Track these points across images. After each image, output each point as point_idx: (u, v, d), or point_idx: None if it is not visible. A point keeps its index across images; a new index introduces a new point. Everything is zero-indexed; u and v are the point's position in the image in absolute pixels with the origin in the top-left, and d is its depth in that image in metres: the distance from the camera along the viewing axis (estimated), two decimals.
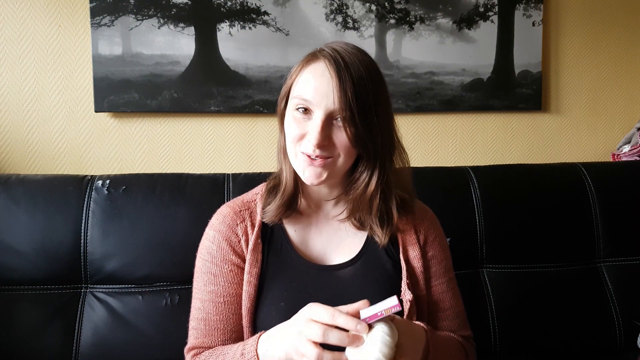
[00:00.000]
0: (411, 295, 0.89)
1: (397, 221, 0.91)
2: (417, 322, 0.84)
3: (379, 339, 0.68)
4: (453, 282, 0.99)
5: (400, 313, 0.85)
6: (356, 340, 0.68)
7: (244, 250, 0.92)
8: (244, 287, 0.89)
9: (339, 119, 0.83)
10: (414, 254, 0.94)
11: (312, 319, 0.70)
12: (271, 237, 0.94)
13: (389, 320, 0.71)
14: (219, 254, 0.92)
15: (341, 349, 0.70)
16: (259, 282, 0.90)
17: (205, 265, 0.93)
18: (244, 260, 0.91)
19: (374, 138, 0.84)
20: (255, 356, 0.78)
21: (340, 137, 0.84)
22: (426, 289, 0.94)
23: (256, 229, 0.92)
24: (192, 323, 0.92)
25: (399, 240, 0.94)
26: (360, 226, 0.93)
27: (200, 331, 0.90)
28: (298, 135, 0.84)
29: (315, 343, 0.69)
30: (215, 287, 0.90)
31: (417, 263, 0.93)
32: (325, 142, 0.82)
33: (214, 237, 0.93)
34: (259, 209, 0.95)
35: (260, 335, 0.80)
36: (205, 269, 0.92)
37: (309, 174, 0.85)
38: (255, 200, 0.97)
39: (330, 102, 0.82)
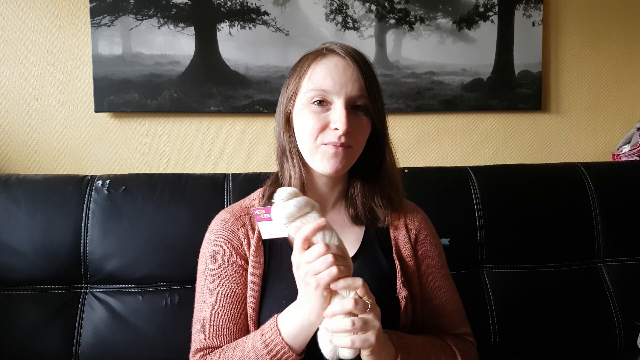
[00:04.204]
0: (406, 292, 0.90)
1: (396, 203, 0.96)
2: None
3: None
4: (447, 280, 0.99)
5: (397, 309, 0.89)
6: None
7: (247, 252, 0.93)
8: (249, 288, 0.90)
9: (359, 105, 0.87)
10: (406, 252, 0.95)
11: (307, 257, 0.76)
12: (272, 239, 0.95)
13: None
14: (222, 257, 0.92)
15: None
16: (262, 283, 0.91)
17: (208, 268, 0.93)
18: (247, 262, 0.92)
19: (384, 123, 0.92)
20: (277, 331, 0.80)
21: (360, 123, 0.88)
22: (419, 286, 0.95)
23: (256, 232, 0.94)
24: (197, 326, 0.91)
25: (391, 239, 0.96)
26: (356, 219, 0.96)
27: (208, 332, 0.89)
28: (319, 127, 0.86)
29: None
30: (222, 288, 0.91)
31: (409, 261, 0.95)
32: (350, 128, 0.85)
33: (216, 240, 0.94)
34: None
35: (276, 317, 0.83)
36: (209, 272, 0.93)
37: (333, 164, 0.87)
38: (253, 205, 0.98)
39: (349, 89, 0.86)
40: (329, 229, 0.77)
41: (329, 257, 0.74)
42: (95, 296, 1.21)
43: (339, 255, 0.75)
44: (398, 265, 0.93)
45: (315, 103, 0.86)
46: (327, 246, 0.75)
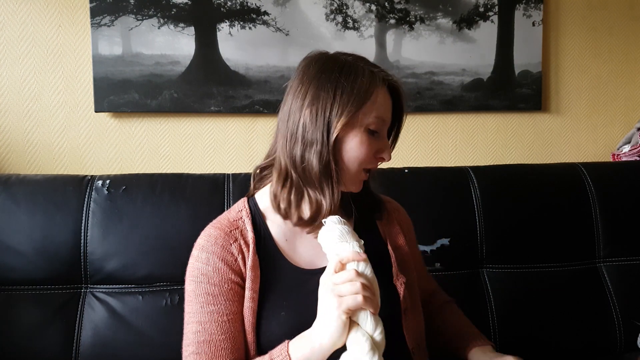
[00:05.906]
0: (404, 278, 0.93)
1: (379, 198, 1.01)
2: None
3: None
4: (423, 265, 1.15)
5: (397, 296, 0.92)
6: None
7: (241, 268, 0.90)
8: (246, 304, 0.87)
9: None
10: (401, 242, 1.00)
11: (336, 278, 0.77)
12: (264, 250, 0.92)
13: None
14: (215, 274, 0.89)
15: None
16: (259, 297, 0.89)
17: (199, 287, 0.89)
18: (242, 279, 0.89)
19: None
20: (287, 356, 0.78)
21: None
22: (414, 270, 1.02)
23: (251, 246, 0.90)
24: (191, 348, 0.87)
25: (381, 232, 1.00)
26: (346, 212, 0.96)
27: (205, 354, 0.85)
28: (372, 155, 0.89)
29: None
30: (217, 307, 0.87)
31: (404, 250, 1.00)
32: None
33: (207, 258, 0.90)
34: (248, 227, 0.92)
35: (287, 342, 0.81)
36: (201, 291, 0.89)
37: (359, 186, 0.92)
38: (241, 217, 0.94)
39: (389, 120, 0.92)
40: (366, 262, 0.78)
41: (358, 284, 0.74)
42: (95, 296, 1.21)
43: (368, 288, 0.75)
44: (393, 255, 0.96)
45: (373, 131, 0.88)
46: (359, 273, 0.76)
